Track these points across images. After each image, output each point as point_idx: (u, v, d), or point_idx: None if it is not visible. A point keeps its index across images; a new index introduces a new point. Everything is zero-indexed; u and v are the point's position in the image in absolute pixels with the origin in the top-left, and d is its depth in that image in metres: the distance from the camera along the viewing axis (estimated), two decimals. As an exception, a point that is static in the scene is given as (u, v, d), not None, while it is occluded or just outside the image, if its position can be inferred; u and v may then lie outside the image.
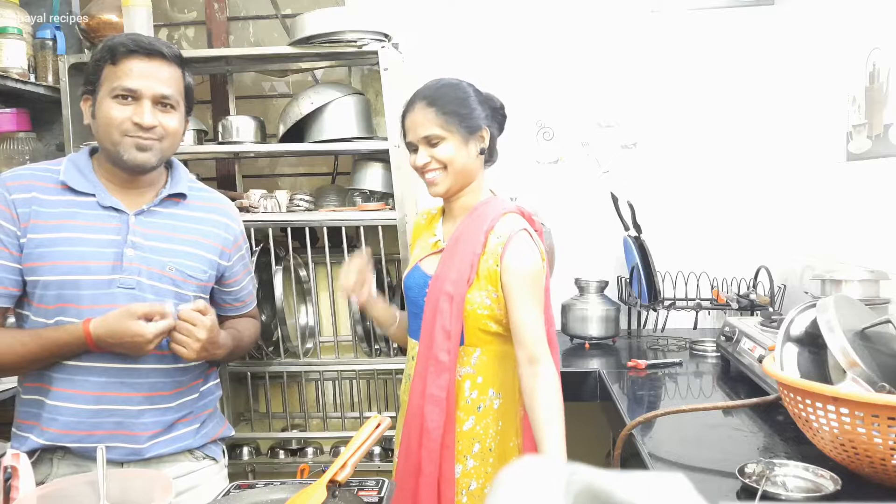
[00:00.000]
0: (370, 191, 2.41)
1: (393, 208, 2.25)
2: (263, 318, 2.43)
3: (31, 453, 1.38)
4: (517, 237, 1.50)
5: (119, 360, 1.38)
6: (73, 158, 1.45)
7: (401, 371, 2.14)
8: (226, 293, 1.60)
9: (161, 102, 1.40)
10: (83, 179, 1.41)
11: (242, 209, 2.29)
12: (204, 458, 1.53)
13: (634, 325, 2.62)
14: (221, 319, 1.62)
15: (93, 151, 1.47)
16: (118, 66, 1.37)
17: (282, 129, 2.33)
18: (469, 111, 1.54)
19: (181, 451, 1.48)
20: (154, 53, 1.39)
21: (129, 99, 1.38)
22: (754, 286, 2.43)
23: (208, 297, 1.54)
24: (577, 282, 2.47)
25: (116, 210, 1.41)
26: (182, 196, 1.50)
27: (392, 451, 2.44)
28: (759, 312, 2.28)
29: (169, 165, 1.53)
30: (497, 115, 1.62)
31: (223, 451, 1.61)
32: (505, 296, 1.50)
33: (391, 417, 1.41)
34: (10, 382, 1.99)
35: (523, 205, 1.63)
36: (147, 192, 1.46)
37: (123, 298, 1.37)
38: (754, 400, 1.46)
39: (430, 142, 1.53)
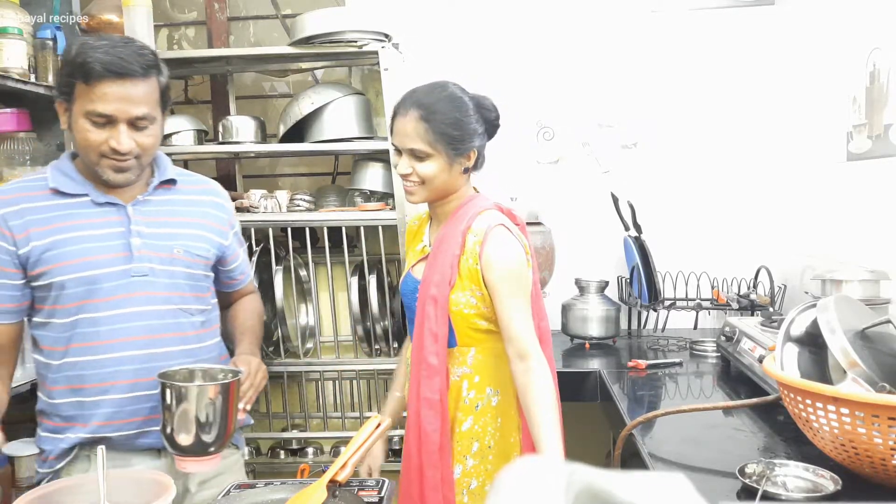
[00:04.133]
0: (370, 191, 2.41)
1: (393, 208, 2.25)
2: (263, 318, 2.43)
3: (68, 451, 1.41)
4: (493, 233, 1.49)
5: (147, 346, 1.41)
6: (57, 165, 1.45)
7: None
8: (226, 271, 1.62)
9: (136, 124, 1.36)
10: (72, 182, 1.42)
11: (242, 209, 2.30)
12: (230, 446, 1.53)
13: (634, 325, 2.62)
14: (225, 296, 1.66)
15: (74, 155, 1.47)
16: (91, 88, 1.32)
17: (282, 129, 2.33)
18: (462, 134, 1.50)
19: None
20: (126, 74, 1.32)
21: (105, 121, 1.34)
22: (754, 286, 2.43)
23: (213, 275, 1.56)
24: (578, 282, 2.47)
25: (113, 204, 1.43)
26: (172, 182, 1.51)
27: (394, 451, 2.45)
28: (759, 312, 2.28)
29: None
30: (491, 127, 1.59)
31: (244, 441, 1.64)
32: (490, 293, 1.49)
33: (391, 417, 1.41)
34: None
35: (502, 202, 1.61)
36: (136, 184, 1.47)
37: (139, 286, 1.40)
38: (754, 400, 1.46)
39: (416, 155, 1.50)
